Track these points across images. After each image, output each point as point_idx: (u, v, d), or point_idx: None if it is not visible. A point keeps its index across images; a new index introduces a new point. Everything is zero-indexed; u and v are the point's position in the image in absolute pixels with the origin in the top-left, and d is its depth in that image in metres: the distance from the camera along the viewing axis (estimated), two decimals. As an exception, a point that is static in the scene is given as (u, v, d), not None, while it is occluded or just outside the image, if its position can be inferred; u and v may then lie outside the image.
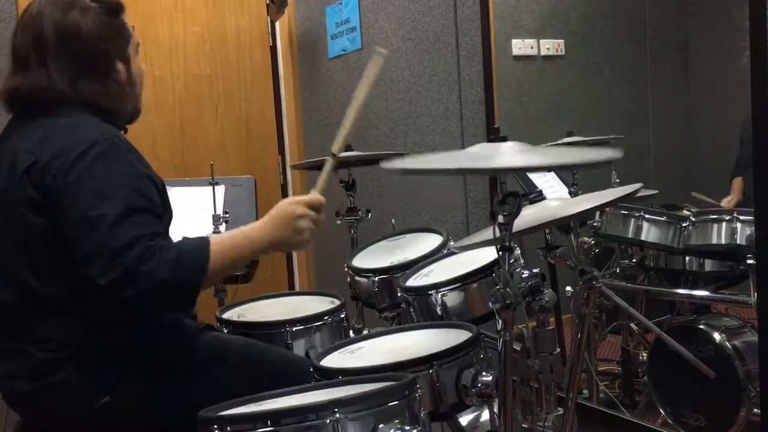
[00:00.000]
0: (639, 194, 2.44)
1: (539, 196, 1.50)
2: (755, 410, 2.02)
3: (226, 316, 2.00)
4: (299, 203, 1.53)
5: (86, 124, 1.47)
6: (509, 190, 1.23)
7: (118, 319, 1.46)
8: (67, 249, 1.40)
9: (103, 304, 1.43)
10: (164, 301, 1.38)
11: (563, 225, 2.24)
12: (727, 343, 2.11)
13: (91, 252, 1.33)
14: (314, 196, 1.56)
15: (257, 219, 3.31)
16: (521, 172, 2.30)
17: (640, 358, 2.58)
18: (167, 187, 1.58)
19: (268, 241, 1.50)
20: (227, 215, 2.27)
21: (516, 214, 1.21)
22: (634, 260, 2.58)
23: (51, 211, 1.40)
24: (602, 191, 1.54)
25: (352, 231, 2.42)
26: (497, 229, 1.23)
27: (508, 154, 1.25)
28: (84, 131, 1.45)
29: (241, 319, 1.99)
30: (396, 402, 1.14)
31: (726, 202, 2.49)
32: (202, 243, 1.42)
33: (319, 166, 2.67)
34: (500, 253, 1.25)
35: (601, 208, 1.26)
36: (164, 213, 1.51)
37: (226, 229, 2.36)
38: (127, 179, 1.42)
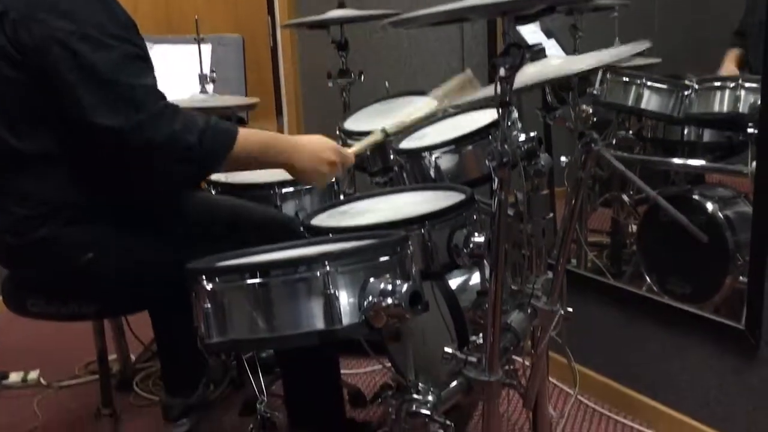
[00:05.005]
0: (642, 63, 2.37)
1: (541, 53, 1.42)
2: (741, 278, 2.05)
3: (213, 177, 1.96)
4: (337, 152, 1.53)
5: None
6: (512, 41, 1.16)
7: (98, 177, 1.43)
8: (50, 103, 1.34)
9: (82, 162, 1.40)
10: (183, 160, 1.35)
11: (563, 85, 2.17)
12: (719, 213, 2.11)
13: (105, 98, 1.30)
14: (350, 155, 1.58)
15: (245, 82, 3.19)
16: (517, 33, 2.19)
17: (630, 229, 2.59)
18: (149, 44, 1.50)
19: (291, 162, 1.49)
20: (214, 73, 2.17)
21: (518, 66, 1.15)
22: (631, 132, 2.53)
23: (32, 65, 1.33)
24: (606, 49, 1.47)
25: (344, 94, 2.34)
26: (498, 84, 1.17)
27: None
28: None
29: (230, 180, 1.96)
30: (387, 258, 1.12)
31: None
32: (233, 125, 1.41)
33: (315, 24, 2.53)
34: (499, 109, 1.19)
35: (606, 65, 1.19)
36: None
37: (214, 90, 2.26)
38: (116, 27, 1.35)
